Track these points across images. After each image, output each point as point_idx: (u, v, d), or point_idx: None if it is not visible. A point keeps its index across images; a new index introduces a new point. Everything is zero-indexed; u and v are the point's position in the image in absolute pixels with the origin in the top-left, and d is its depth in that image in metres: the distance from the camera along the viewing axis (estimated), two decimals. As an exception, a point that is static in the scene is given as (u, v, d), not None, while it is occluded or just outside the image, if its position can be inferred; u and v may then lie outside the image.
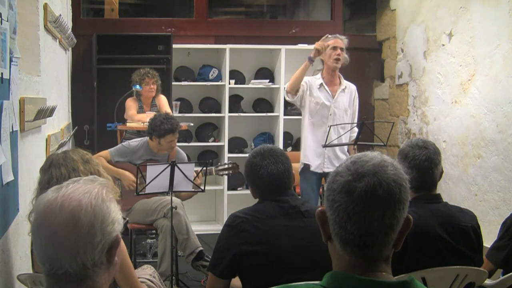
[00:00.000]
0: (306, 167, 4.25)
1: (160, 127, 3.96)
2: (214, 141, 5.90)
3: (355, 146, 4.16)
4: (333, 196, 1.16)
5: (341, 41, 4.22)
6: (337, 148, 4.18)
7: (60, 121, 4.12)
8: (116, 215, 1.22)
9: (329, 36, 4.27)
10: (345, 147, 4.26)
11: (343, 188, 1.14)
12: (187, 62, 5.92)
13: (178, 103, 5.70)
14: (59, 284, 1.17)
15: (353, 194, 1.13)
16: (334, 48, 4.17)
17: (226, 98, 5.76)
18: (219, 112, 5.89)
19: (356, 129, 4.26)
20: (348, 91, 4.30)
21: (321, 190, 4.43)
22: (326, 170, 4.18)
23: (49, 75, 3.46)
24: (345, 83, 4.31)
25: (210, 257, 2.43)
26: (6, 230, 2.09)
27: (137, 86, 4.95)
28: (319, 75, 4.26)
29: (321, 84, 4.22)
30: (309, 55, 4.14)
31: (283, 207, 2.14)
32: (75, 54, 5.66)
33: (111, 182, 1.38)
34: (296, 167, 4.35)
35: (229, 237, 2.09)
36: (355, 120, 4.35)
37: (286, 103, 5.90)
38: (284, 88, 5.74)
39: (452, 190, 4.76)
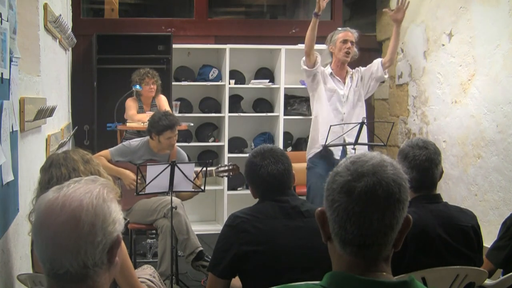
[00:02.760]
0: (319, 153, 4.23)
1: (159, 123, 3.96)
2: (214, 141, 5.90)
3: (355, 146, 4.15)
4: (333, 196, 1.16)
5: (352, 34, 4.24)
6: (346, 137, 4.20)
7: (60, 121, 4.12)
8: (117, 215, 1.22)
9: (339, 28, 4.28)
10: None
11: (342, 188, 1.14)
12: (187, 62, 5.92)
13: (178, 103, 5.70)
14: (60, 284, 1.17)
15: (352, 194, 1.13)
16: (344, 41, 4.20)
17: (226, 98, 5.76)
18: (219, 112, 5.89)
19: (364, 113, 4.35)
20: (357, 73, 4.38)
21: None
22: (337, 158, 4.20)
23: (49, 75, 3.47)
24: (351, 71, 4.40)
25: (210, 257, 2.43)
26: (6, 230, 2.09)
27: (137, 86, 4.95)
28: (328, 67, 4.29)
29: (331, 73, 4.29)
30: (314, 11, 4.14)
31: (283, 207, 2.14)
32: (75, 54, 5.66)
33: (111, 182, 1.37)
34: (296, 167, 4.35)
35: (229, 237, 2.09)
36: (376, 85, 4.45)
37: (286, 103, 5.91)
38: (284, 88, 5.80)
39: (452, 190, 4.76)
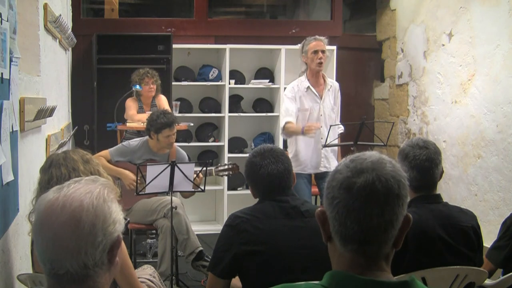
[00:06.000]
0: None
1: (157, 121, 3.96)
2: (214, 141, 5.90)
3: (354, 147, 4.16)
4: (333, 193, 1.16)
5: (322, 42, 4.21)
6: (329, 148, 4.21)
7: (60, 121, 4.12)
8: (117, 215, 1.22)
9: (309, 38, 4.26)
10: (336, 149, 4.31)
11: (342, 184, 1.15)
12: (187, 62, 5.92)
13: (178, 103, 5.70)
14: (60, 284, 1.17)
15: (352, 190, 1.13)
16: (315, 52, 4.17)
17: (226, 98, 5.76)
18: (219, 112, 5.89)
19: (342, 126, 4.34)
20: (332, 90, 4.34)
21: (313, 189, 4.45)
22: (322, 170, 4.22)
23: (49, 75, 3.46)
24: (329, 82, 4.35)
25: (210, 257, 2.43)
26: (6, 230, 2.09)
27: (137, 86, 4.95)
28: (304, 77, 4.28)
29: (307, 87, 4.24)
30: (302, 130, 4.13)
31: (283, 207, 2.14)
32: (75, 54, 5.65)
33: (111, 182, 1.37)
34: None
35: (229, 237, 2.09)
36: (338, 117, 4.44)
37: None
38: (284, 88, 5.80)
39: (452, 190, 4.76)
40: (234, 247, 2.06)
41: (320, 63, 4.18)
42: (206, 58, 5.97)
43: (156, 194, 3.82)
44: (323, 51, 4.19)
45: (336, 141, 4.25)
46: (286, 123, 4.19)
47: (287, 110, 4.25)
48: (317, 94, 4.24)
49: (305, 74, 4.29)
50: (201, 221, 5.93)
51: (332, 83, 4.38)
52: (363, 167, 1.15)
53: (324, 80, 4.31)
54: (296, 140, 4.27)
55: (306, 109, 4.22)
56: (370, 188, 1.13)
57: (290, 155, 4.24)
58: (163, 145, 4.05)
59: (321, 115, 4.23)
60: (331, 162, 4.25)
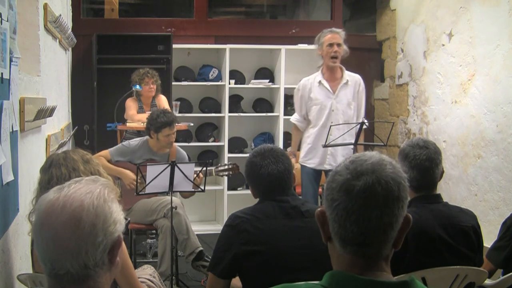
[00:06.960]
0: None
1: (157, 120, 3.96)
2: (214, 141, 5.90)
3: (354, 147, 4.13)
4: (332, 195, 1.16)
5: (338, 35, 4.09)
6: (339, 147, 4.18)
7: (60, 121, 4.12)
8: (118, 215, 1.22)
9: (325, 30, 4.16)
10: (351, 146, 4.24)
11: (342, 187, 1.15)
12: (187, 62, 5.92)
13: (178, 103, 5.70)
14: (60, 284, 1.17)
15: (352, 192, 1.13)
16: (330, 45, 4.06)
17: (226, 98, 5.76)
18: (219, 112, 5.89)
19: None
20: (352, 84, 4.18)
21: (320, 189, 4.44)
22: (327, 167, 4.19)
23: (49, 75, 3.46)
24: (347, 76, 4.20)
25: (210, 257, 2.43)
26: (6, 230, 2.09)
27: (137, 86, 4.95)
28: (319, 72, 4.22)
29: (320, 82, 4.17)
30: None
31: (283, 207, 2.14)
32: (75, 54, 5.65)
33: (111, 182, 1.37)
34: (296, 166, 4.37)
35: (229, 237, 2.09)
36: (362, 112, 4.28)
37: (286, 103, 5.90)
38: (284, 88, 5.81)
39: (452, 190, 4.76)
40: (234, 247, 2.06)
41: (335, 57, 4.04)
42: (206, 58, 5.97)
43: (156, 194, 3.82)
44: (338, 44, 4.05)
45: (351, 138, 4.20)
46: (294, 124, 4.39)
47: (296, 108, 4.39)
48: (330, 90, 4.13)
49: (321, 68, 4.19)
50: (201, 221, 5.93)
51: (352, 77, 4.20)
52: (363, 169, 1.15)
53: (342, 75, 4.17)
54: (309, 133, 4.25)
55: (316, 104, 4.16)
56: (370, 190, 1.12)
57: (304, 143, 4.31)
58: (163, 144, 4.05)
59: (333, 111, 4.13)
60: (338, 160, 4.17)
